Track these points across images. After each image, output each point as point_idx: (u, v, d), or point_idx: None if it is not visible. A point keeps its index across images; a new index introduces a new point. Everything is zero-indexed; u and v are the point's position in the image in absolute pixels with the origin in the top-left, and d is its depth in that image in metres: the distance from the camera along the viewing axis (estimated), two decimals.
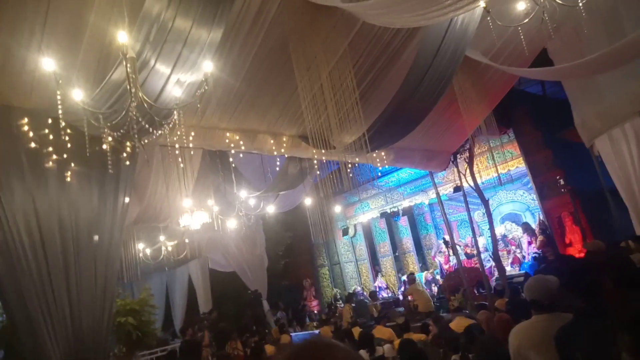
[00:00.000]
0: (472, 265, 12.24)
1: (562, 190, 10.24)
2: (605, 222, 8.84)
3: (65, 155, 4.43)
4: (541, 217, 11.35)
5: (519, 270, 11.21)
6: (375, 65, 6.44)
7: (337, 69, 5.86)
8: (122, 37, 3.17)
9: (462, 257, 12.80)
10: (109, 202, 4.92)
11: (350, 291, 14.65)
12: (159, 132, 3.85)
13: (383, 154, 8.59)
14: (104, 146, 3.88)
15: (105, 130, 3.56)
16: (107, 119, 3.66)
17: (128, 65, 3.15)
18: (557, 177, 10.32)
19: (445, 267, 13.64)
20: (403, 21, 4.89)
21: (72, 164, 4.53)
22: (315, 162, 7.64)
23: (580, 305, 2.54)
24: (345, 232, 15.93)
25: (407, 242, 15.84)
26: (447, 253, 13.62)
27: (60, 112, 3.25)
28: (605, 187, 7.76)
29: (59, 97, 3.23)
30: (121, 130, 3.61)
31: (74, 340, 4.50)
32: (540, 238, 10.87)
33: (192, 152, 6.63)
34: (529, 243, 11.42)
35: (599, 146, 7.19)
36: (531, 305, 2.96)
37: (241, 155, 7.16)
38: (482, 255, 11.74)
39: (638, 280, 2.72)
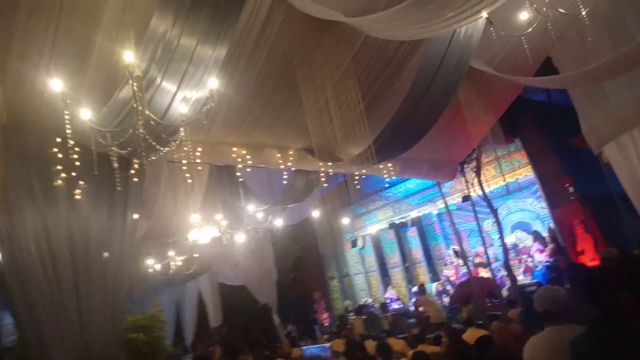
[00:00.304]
0: (480, 275, 12.12)
1: (572, 197, 10.14)
2: (617, 228, 8.73)
3: (74, 174, 4.47)
4: (551, 226, 11.25)
5: (531, 279, 11.07)
6: (379, 77, 6.48)
7: (342, 82, 5.91)
8: (129, 56, 3.23)
9: (472, 267, 12.70)
10: (118, 219, 4.96)
11: (361, 303, 14.54)
12: (166, 148, 3.89)
13: (390, 165, 8.59)
14: (113, 164, 3.92)
15: (113, 148, 3.60)
16: (115, 137, 3.71)
17: (135, 84, 3.20)
18: (567, 185, 10.23)
19: (452, 278, 13.53)
20: (406, 34, 4.93)
21: (81, 182, 4.57)
22: (322, 174, 7.66)
23: (594, 314, 2.51)
24: (354, 243, 15.87)
25: (417, 252, 15.72)
26: (455, 263, 13.52)
27: (68, 131, 3.30)
28: (615, 194, 7.69)
29: (67, 117, 3.29)
30: (128, 148, 3.66)
31: (85, 357, 4.51)
32: (550, 246, 10.76)
33: (199, 168, 6.67)
34: (540, 251, 11.30)
35: (607, 153, 7.13)
36: (543, 316, 2.93)
37: (248, 169, 7.20)
38: (493, 265, 11.64)
39: None
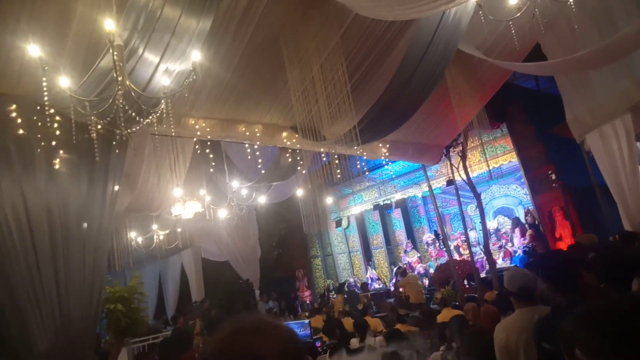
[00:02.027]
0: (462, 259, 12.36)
1: (554, 185, 10.31)
2: (595, 217, 8.91)
3: (53, 143, 4.42)
4: (531, 211, 11.47)
5: (510, 263, 11.30)
6: (367, 58, 6.43)
7: (329, 62, 5.86)
8: (109, 24, 3.16)
9: (453, 251, 12.93)
10: (98, 190, 4.91)
11: (342, 282, 14.74)
12: (147, 120, 3.85)
13: (379, 145, 8.62)
14: (93, 134, 3.87)
15: (92, 118, 3.56)
16: (95, 106, 3.66)
17: (115, 53, 3.14)
18: (549, 172, 10.38)
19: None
20: (395, 14, 4.89)
21: (61, 152, 4.52)
22: (307, 153, 7.66)
23: (560, 299, 2.58)
24: (338, 223, 15.99)
25: (400, 234, 15.92)
26: (439, 246, 13.73)
27: (46, 98, 3.25)
28: (595, 183, 7.82)
29: (45, 84, 3.23)
30: (108, 118, 3.61)
31: (61, 326, 4.52)
32: (529, 232, 10.97)
33: (183, 142, 6.62)
34: (520, 237, 11.52)
35: (589, 142, 7.24)
36: (511, 297, 3.00)
37: (233, 145, 7.16)
38: (474, 249, 11.84)
39: (625, 275, 2.77)
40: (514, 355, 2.75)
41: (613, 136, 6.74)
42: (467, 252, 11.62)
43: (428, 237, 14.70)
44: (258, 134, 6.83)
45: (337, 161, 6.73)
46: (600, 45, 5.27)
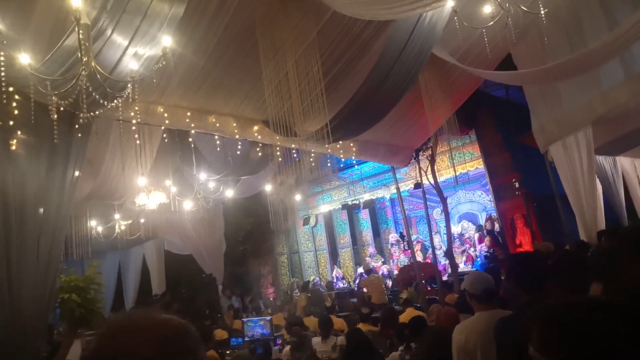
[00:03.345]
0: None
1: (517, 193, 10.59)
2: (554, 225, 9.20)
3: (11, 123, 4.21)
4: (491, 218, 11.79)
5: (471, 267, 11.56)
6: (343, 57, 6.43)
7: (304, 58, 5.82)
8: (76, 1, 3.03)
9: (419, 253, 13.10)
10: (57, 174, 4.71)
11: (308, 280, 14.74)
12: (111, 104, 3.71)
13: (348, 145, 8.64)
14: (53, 115, 3.71)
15: (54, 98, 3.40)
16: (57, 87, 3.50)
17: (81, 31, 3.01)
18: (513, 180, 10.66)
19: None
20: (372, 13, 4.90)
21: (19, 132, 4.31)
22: (277, 149, 7.59)
23: (522, 301, 2.61)
24: (306, 221, 15.97)
25: (367, 234, 16.04)
26: (404, 247, 13.90)
27: (2, 74, 3.08)
28: (556, 192, 8.07)
29: (2, 59, 3.06)
30: (70, 99, 3.46)
31: (11, 315, 4.32)
32: (487, 238, 11.26)
33: (150, 130, 6.44)
34: (480, 242, 11.80)
35: (553, 152, 7.45)
36: (472, 299, 3.04)
37: (202, 136, 7.02)
38: (437, 252, 12.05)
39: (582, 282, 2.84)
40: (472, 356, 2.79)
41: (575, 148, 6.96)
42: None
43: (393, 237, 14.86)
44: (229, 126, 6.73)
45: (310, 158, 6.70)
46: (568, 58, 5.43)
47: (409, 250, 12.18)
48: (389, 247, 15.00)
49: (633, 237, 1.62)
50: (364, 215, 16.02)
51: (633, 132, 7.02)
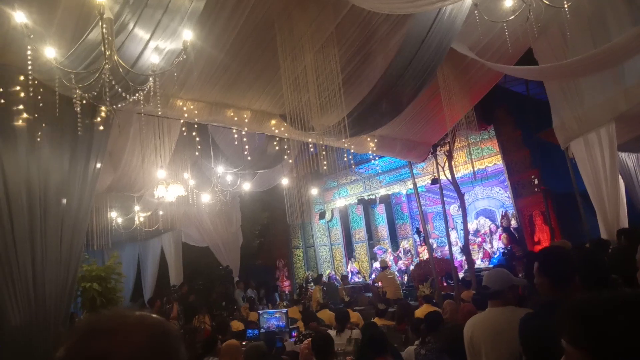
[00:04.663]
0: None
1: (536, 189, 10.45)
2: (574, 223, 9.06)
3: (36, 115, 4.32)
4: (507, 215, 11.68)
5: (489, 264, 11.46)
6: (361, 51, 6.41)
7: (323, 52, 5.82)
8: None
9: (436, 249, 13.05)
10: (79, 166, 4.82)
11: (321, 273, 14.79)
12: (133, 98, 3.78)
13: (367, 139, 8.62)
14: (77, 108, 3.79)
15: (77, 91, 3.48)
16: (81, 80, 3.58)
17: (104, 25, 3.07)
18: (532, 177, 10.51)
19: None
20: (391, 7, 4.87)
21: (43, 125, 4.42)
22: (295, 143, 7.62)
23: (544, 299, 2.58)
24: (322, 215, 16.01)
25: (383, 230, 16.01)
26: (419, 242, 13.86)
27: (29, 67, 3.16)
28: (576, 190, 7.94)
29: (29, 53, 3.14)
30: (93, 92, 3.54)
31: (35, 302, 4.45)
32: (504, 235, 11.15)
33: (169, 123, 6.53)
34: (499, 239, 11.69)
35: (574, 149, 7.33)
36: (487, 294, 3.03)
37: (221, 130, 7.09)
38: (454, 248, 11.97)
39: (605, 280, 2.79)
40: (477, 351, 2.80)
41: (597, 145, 6.83)
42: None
43: (406, 242, 14.86)
44: (246, 120, 6.78)
45: (324, 152, 6.71)
46: (591, 53, 5.33)
47: (426, 246, 12.13)
48: (402, 250, 14.93)
49: None
50: (380, 211, 15.99)
51: None
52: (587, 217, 7.78)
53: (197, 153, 7.51)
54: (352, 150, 7.71)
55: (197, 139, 7.14)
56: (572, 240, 7.44)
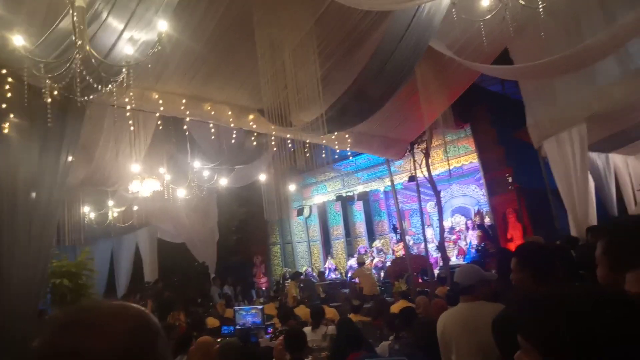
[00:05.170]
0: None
1: (510, 187, 10.65)
2: (546, 220, 9.26)
3: (4, 106, 4.18)
4: (480, 212, 11.88)
5: (463, 261, 11.65)
6: (340, 47, 6.39)
7: (301, 47, 5.79)
8: None
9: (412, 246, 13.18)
10: (50, 159, 4.68)
11: (301, 271, 14.79)
12: (106, 89, 3.69)
13: (343, 136, 8.63)
14: (47, 99, 3.68)
15: (47, 81, 3.37)
16: (51, 70, 3.47)
17: (75, 14, 2.98)
18: (507, 175, 10.71)
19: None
20: (370, 3, 4.87)
21: (12, 115, 4.28)
22: (273, 138, 7.58)
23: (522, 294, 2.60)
24: (300, 212, 15.99)
25: (361, 226, 16.09)
26: (395, 240, 14.00)
27: None
28: (548, 187, 8.11)
29: None
30: (63, 83, 3.44)
31: (2, 299, 4.32)
32: (478, 233, 11.35)
33: (144, 117, 6.40)
34: (473, 236, 11.90)
35: (546, 148, 7.48)
36: (461, 290, 3.08)
37: (197, 124, 6.99)
38: (430, 245, 12.12)
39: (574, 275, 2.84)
40: (448, 345, 2.85)
41: (568, 144, 6.98)
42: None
43: (378, 242, 15.02)
44: (224, 115, 6.70)
45: (304, 149, 6.69)
46: (564, 54, 5.43)
47: (402, 243, 12.25)
48: (374, 251, 15.05)
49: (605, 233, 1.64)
50: (358, 207, 16.07)
51: (626, 130, 7.07)
52: (558, 215, 7.97)
53: (173, 147, 7.39)
54: (330, 147, 7.70)
55: (173, 132, 7.02)
56: (543, 237, 7.62)
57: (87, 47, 3.23)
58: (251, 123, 7.10)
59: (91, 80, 3.42)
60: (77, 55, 3.06)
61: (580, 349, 0.84)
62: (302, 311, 7.64)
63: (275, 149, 7.57)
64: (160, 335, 0.82)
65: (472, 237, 12.00)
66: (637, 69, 5.86)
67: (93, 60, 3.37)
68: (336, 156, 12.96)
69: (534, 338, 0.92)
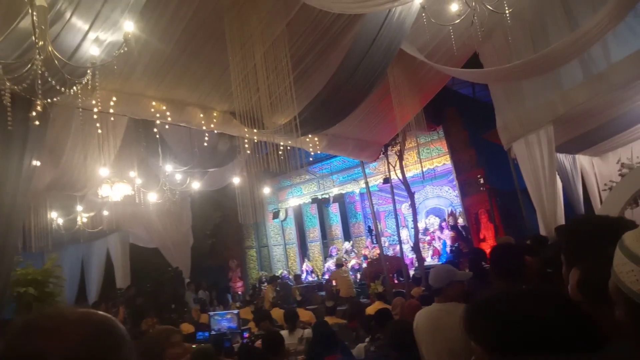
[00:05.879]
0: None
1: (482, 188, 10.84)
2: (516, 220, 9.46)
3: None
4: (453, 213, 12.07)
5: (438, 261, 11.79)
6: (312, 50, 6.40)
7: (273, 50, 5.77)
8: None
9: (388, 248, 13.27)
10: (12, 163, 4.53)
11: (277, 274, 14.71)
12: (71, 91, 3.58)
13: (317, 139, 8.63)
14: (7, 101, 3.55)
15: (6, 83, 3.26)
16: (11, 71, 3.35)
17: (35, 13, 2.89)
18: (478, 176, 10.90)
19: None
20: (341, 6, 4.89)
21: None
22: (246, 141, 7.52)
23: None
24: (276, 215, 15.92)
25: (337, 229, 16.13)
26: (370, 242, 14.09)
27: None
28: (518, 188, 8.28)
29: None
30: (24, 84, 3.33)
31: None
32: (451, 234, 11.53)
33: (112, 119, 6.24)
34: (445, 236, 12.09)
35: (515, 149, 7.63)
36: (435, 292, 3.12)
37: (167, 126, 6.87)
38: (405, 246, 12.23)
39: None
40: (419, 343, 2.90)
41: (537, 145, 7.14)
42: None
43: (347, 244, 15.12)
44: (195, 117, 6.61)
45: (279, 152, 6.66)
46: (531, 58, 5.57)
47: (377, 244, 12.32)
48: (345, 252, 15.14)
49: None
50: (334, 210, 16.10)
51: (591, 132, 7.27)
52: (528, 215, 8.14)
53: (143, 150, 7.24)
54: (304, 149, 7.69)
55: (144, 135, 6.89)
56: (514, 236, 7.78)
57: (50, 48, 3.14)
58: (224, 125, 7.03)
59: (54, 82, 3.32)
60: (38, 57, 2.97)
61: (520, 348, 0.86)
62: (278, 314, 7.59)
63: (248, 152, 7.50)
64: (126, 341, 0.82)
65: (446, 238, 12.17)
66: (599, 73, 6.03)
67: (56, 62, 3.27)
68: (311, 159, 12.99)
69: (480, 341, 0.94)
